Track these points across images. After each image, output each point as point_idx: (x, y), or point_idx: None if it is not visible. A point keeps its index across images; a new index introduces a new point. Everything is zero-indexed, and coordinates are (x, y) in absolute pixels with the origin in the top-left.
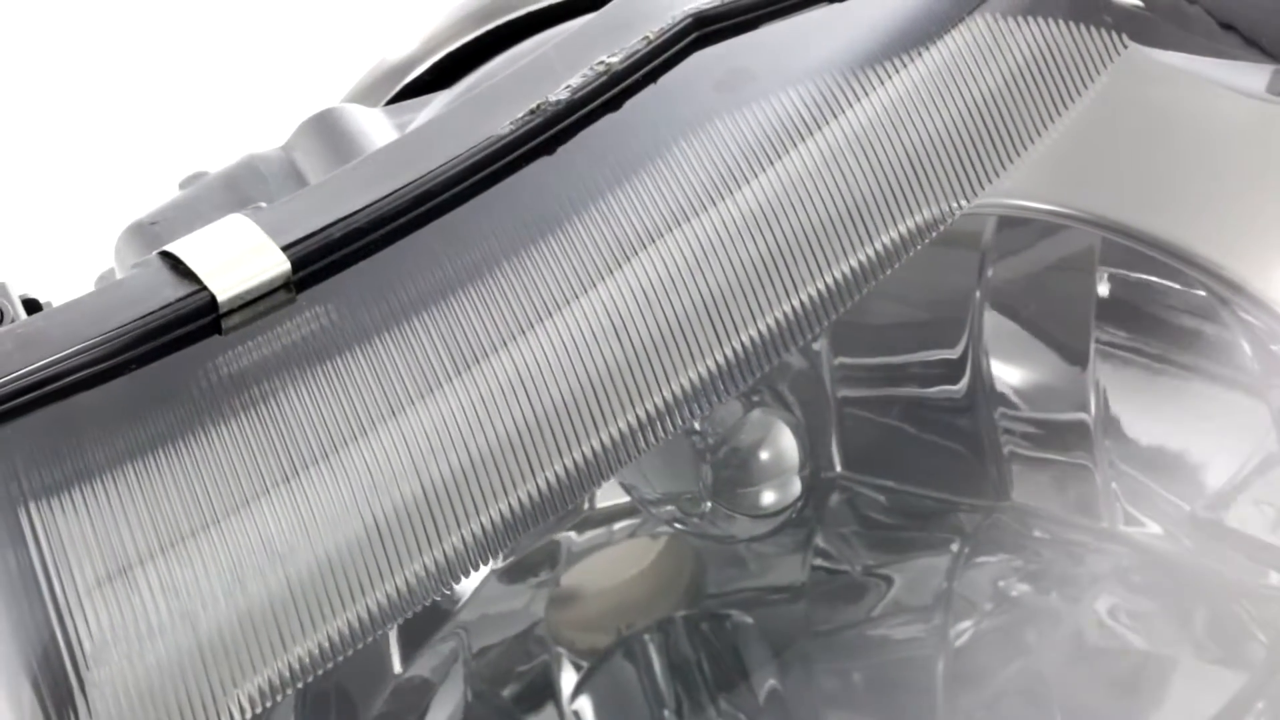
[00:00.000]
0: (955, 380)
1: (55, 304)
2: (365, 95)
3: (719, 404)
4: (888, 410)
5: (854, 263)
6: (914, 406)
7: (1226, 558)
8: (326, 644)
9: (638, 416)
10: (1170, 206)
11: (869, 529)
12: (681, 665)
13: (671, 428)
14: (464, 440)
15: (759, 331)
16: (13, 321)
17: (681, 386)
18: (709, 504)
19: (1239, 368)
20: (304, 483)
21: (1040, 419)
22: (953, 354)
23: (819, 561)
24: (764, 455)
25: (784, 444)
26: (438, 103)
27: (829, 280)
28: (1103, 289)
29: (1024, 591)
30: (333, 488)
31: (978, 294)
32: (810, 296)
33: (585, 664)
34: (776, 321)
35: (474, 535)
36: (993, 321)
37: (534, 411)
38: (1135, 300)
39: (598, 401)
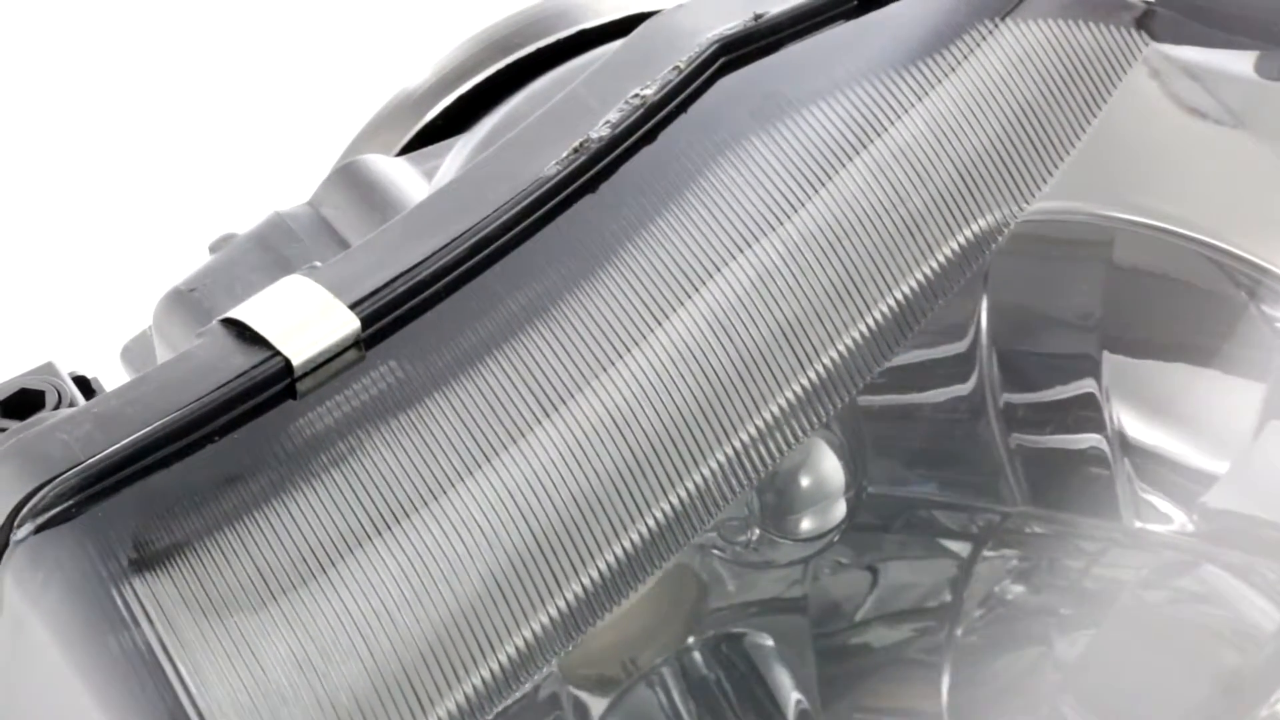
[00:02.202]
0: (965, 379)
1: (99, 378)
2: (381, 132)
3: (810, 433)
4: (896, 416)
5: (920, 277)
6: (922, 411)
7: (1244, 546)
8: (464, 703)
9: (734, 447)
10: (1181, 194)
11: (876, 535)
12: (702, 689)
13: (768, 459)
14: (565, 483)
15: (838, 354)
16: (71, 403)
17: (771, 414)
18: (756, 531)
19: (1259, 350)
20: (411, 539)
21: (1051, 416)
22: (960, 348)
23: (826, 571)
24: (809, 478)
25: (828, 466)
26: (461, 146)
27: (899, 296)
28: (1112, 280)
29: (1035, 595)
30: (442, 541)
31: (985, 298)
32: (883, 314)
33: (604, 701)
34: (854, 342)
35: (593, 581)
36: (999, 319)
37: (630, 450)
38: (1147, 290)
39: (691, 435)
